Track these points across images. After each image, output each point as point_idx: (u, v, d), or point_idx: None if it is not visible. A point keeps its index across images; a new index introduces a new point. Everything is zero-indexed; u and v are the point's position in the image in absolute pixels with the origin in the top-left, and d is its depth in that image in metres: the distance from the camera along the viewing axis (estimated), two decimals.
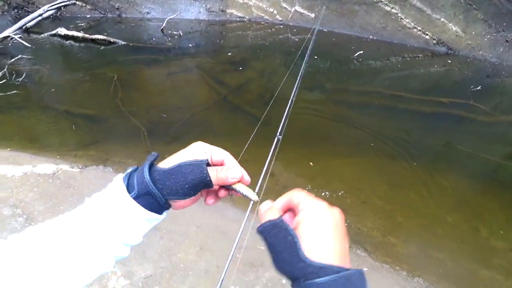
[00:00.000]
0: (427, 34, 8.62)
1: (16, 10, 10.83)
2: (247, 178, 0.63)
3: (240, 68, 6.98)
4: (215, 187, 0.62)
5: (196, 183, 0.57)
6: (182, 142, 4.66)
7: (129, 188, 0.57)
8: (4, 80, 5.87)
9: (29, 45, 7.48)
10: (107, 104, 5.38)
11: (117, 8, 10.29)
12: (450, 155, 4.79)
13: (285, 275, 0.51)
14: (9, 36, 7.63)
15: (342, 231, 0.52)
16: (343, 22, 9.19)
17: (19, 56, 6.89)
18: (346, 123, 5.37)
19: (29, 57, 7.08)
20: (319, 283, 0.46)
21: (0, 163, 3.94)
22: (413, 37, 8.73)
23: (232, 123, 5.16)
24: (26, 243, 0.51)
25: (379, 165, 4.44)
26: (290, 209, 0.58)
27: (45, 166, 3.93)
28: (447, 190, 4.15)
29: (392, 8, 8.69)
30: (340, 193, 3.84)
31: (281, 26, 9.48)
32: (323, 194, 3.81)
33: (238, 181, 0.62)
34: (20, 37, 7.54)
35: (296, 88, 2.82)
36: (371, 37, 8.95)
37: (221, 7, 9.90)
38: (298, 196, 0.55)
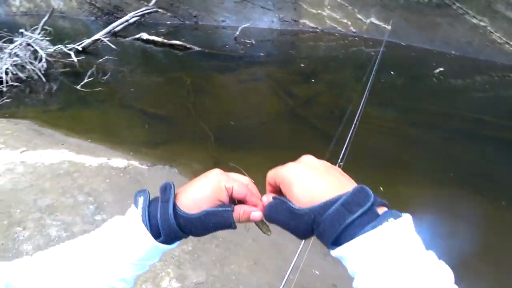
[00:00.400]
0: None
1: (107, 16, 11.95)
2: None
3: (312, 80, 6.83)
4: None
5: (220, 227, 0.59)
6: (248, 150, 4.64)
7: (151, 228, 0.56)
8: (92, 78, 6.41)
9: (115, 47, 8.12)
10: (179, 107, 5.58)
11: (195, 16, 10.82)
12: None
13: (306, 236, 0.53)
14: (99, 39, 8.39)
15: (319, 170, 0.54)
16: (423, 36, 8.57)
17: (106, 57, 7.52)
18: (422, 146, 4.91)
19: (114, 58, 7.69)
20: (321, 220, 0.47)
21: (82, 152, 4.26)
22: (504, 54, 7.80)
23: (298, 136, 5.01)
24: (46, 265, 0.53)
25: (459, 198, 3.96)
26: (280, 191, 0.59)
27: (118, 161, 4.14)
28: None
29: (480, 20, 7.87)
30: None
31: (355, 38, 9.15)
32: None
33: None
34: (108, 40, 8.24)
35: (361, 108, 2.62)
36: (453, 52, 8.19)
37: (294, 17, 9.89)
38: (271, 175, 0.61)
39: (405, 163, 4.56)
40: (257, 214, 0.60)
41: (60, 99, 6.31)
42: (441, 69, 7.31)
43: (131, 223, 0.57)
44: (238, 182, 0.62)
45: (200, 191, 0.58)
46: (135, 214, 0.57)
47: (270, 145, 4.75)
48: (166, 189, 0.59)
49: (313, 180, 0.52)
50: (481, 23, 7.88)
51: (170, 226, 0.55)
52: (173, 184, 0.59)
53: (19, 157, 3.99)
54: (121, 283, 0.55)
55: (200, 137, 4.73)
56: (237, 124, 5.13)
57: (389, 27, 8.68)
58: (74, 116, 5.42)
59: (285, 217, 0.53)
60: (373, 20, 9.07)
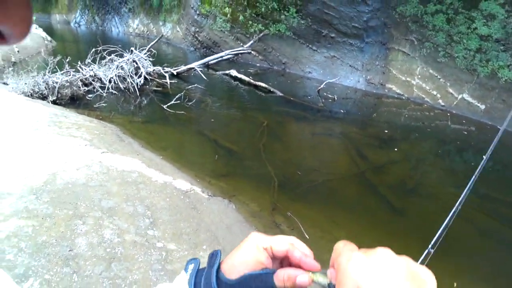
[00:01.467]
0: None
1: (205, 49, 13.07)
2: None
3: (393, 149, 6.50)
4: None
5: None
6: (308, 204, 4.45)
7: None
8: (179, 101, 6.90)
9: (206, 78, 8.73)
10: (251, 145, 5.67)
11: (284, 63, 11.28)
12: None
13: None
14: (193, 67, 9.12)
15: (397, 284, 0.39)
16: None
17: (196, 85, 8.09)
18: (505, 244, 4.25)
19: (203, 87, 8.24)
20: None
21: (152, 166, 4.46)
22: None
23: (363, 201, 4.71)
24: None
25: None
26: None
27: (182, 183, 4.24)
28: None
29: None
30: None
31: (441, 112, 8.64)
32: None
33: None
34: (201, 70, 8.92)
35: (464, 196, 2.32)
36: None
37: (381, 81, 9.75)
38: (334, 257, 0.50)
39: (486, 263, 3.95)
40: (304, 277, 0.53)
41: (146, 113, 6.85)
42: None
43: None
44: (278, 239, 0.57)
45: (240, 256, 0.57)
46: (184, 280, 0.58)
47: (331, 203, 4.51)
48: (213, 256, 0.59)
49: None
50: None
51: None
52: (220, 252, 0.59)
53: (99, 157, 4.31)
54: None
55: (264, 180, 4.68)
56: (303, 175, 5.00)
57: (483, 107, 8.06)
58: (154, 131, 5.79)
59: None
60: (466, 96, 8.53)
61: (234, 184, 4.53)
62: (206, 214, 3.79)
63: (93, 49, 7.72)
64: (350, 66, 10.19)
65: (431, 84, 9.07)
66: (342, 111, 8.10)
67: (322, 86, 8.98)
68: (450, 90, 8.79)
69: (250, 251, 0.57)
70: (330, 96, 8.80)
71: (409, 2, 9.23)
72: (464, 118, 8.29)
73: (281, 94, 8.38)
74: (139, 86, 7.52)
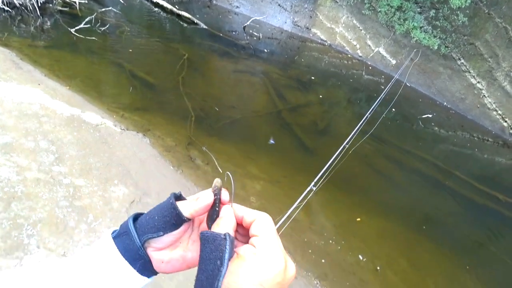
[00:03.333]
0: (506, 121, 7.96)
1: None
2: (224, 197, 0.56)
3: (311, 91, 6.83)
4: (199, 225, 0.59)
5: (163, 212, 0.54)
6: (224, 139, 4.60)
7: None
8: (89, 25, 6.18)
9: (123, 2, 7.86)
10: (169, 78, 5.46)
11: None
12: (482, 256, 4.25)
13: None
14: None
15: None
16: (422, 79, 8.75)
17: (110, 8, 7.26)
18: (390, 182, 5.02)
19: (118, 12, 7.44)
20: None
21: (57, 98, 4.09)
22: (490, 119, 8.08)
23: (277, 139, 5.01)
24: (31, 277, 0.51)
25: (407, 239, 4.06)
26: (246, 228, 0.53)
27: (92, 116, 4.01)
28: None
29: (478, 82, 8.11)
30: (352, 252, 3.55)
31: (358, 62, 9.24)
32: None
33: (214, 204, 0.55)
34: None
35: (353, 135, 2.63)
36: (445, 103, 8.41)
37: (307, 24, 9.86)
38: (263, 227, 0.50)
39: (372, 192, 4.65)
40: (207, 192, 0.54)
41: (50, 37, 6.04)
42: (429, 115, 7.49)
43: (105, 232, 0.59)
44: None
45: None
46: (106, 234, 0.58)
47: (247, 139, 4.73)
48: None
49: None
50: (478, 85, 8.11)
51: (126, 223, 0.55)
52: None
53: None
54: None
55: (181, 114, 4.64)
56: (221, 111, 5.06)
57: (394, 62, 8.79)
58: (59, 59, 5.20)
59: (206, 266, 0.47)
60: (381, 50, 9.16)
61: (150, 118, 4.43)
62: (118, 149, 3.70)
63: None
64: (279, 5, 10.01)
65: (353, 34, 9.46)
66: (266, 50, 8.11)
67: (248, 23, 8.77)
68: (369, 43, 9.31)
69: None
70: (255, 34, 8.68)
71: None
72: (377, 70, 8.97)
73: (205, 27, 8.01)
74: (39, 4, 6.49)
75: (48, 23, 6.40)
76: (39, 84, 4.24)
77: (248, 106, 5.60)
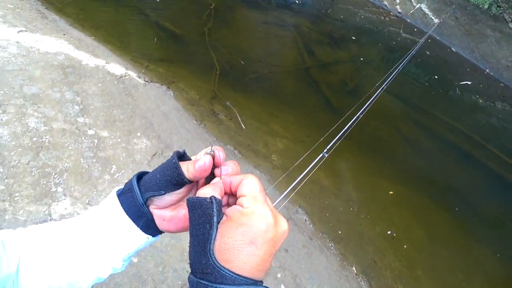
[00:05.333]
0: None
1: None
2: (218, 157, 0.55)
3: (342, 48, 6.42)
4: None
5: (166, 171, 0.55)
6: (248, 94, 4.45)
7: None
8: None
9: None
10: (195, 29, 5.27)
11: None
12: (501, 233, 4.01)
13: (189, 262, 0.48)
14: None
15: (273, 248, 0.46)
16: (465, 42, 7.94)
17: None
18: (416, 149, 4.73)
19: None
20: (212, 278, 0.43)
21: (81, 48, 4.05)
22: None
23: (304, 98, 4.80)
24: (39, 237, 0.57)
25: (428, 210, 3.88)
26: (234, 193, 0.52)
27: (116, 67, 3.96)
28: (480, 266, 3.52)
29: None
30: (369, 217, 3.45)
31: (396, 18, 8.51)
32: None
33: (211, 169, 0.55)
34: None
35: (374, 98, 2.43)
36: (487, 71, 7.61)
37: None
38: (249, 186, 0.49)
39: (395, 159, 4.43)
40: (206, 157, 0.54)
41: None
42: (468, 82, 6.87)
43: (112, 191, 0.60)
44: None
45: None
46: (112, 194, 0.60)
47: (272, 96, 4.56)
48: None
49: (258, 252, 0.45)
50: None
51: (131, 181, 0.57)
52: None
53: (15, 36, 3.79)
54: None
55: (206, 66, 4.51)
56: (247, 65, 4.87)
57: (436, 20, 8.03)
58: (84, 7, 5.09)
59: (196, 231, 0.47)
60: (423, 7, 8.34)
61: (174, 70, 4.33)
62: (141, 101, 3.67)
63: None
64: None
65: None
66: (297, 1, 7.61)
67: None
68: None
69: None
70: None
71: None
72: (417, 28, 8.24)
73: None
74: None
75: None
76: (64, 34, 4.20)
77: (275, 60, 5.34)
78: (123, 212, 0.56)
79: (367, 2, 8.79)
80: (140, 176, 0.58)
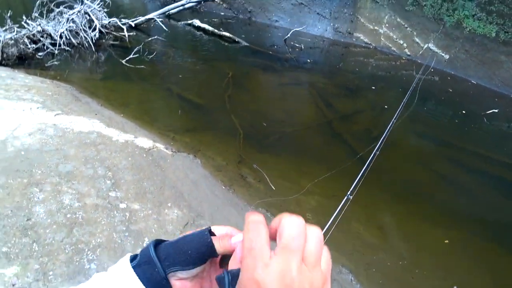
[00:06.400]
0: None
1: None
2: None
3: (360, 98, 6.53)
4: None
5: (199, 247, 0.54)
6: (274, 155, 4.48)
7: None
8: (138, 55, 6.50)
9: (167, 29, 8.23)
10: (215, 97, 5.52)
11: (249, 11, 10.78)
12: None
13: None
14: (153, 18, 8.53)
15: None
16: (481, 71, 7.98)
17: (156, 37, 7.63)
18: (457, 188, 4.50)
19: (163, 39, 7.79)
20: None
21: (112, 126, 4.28)
22: None
23: (329, 150, 4.78)
24: None
25: (490, 254, 3.55)
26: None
27: (144, 140, 4.12)
28: None
29: None
30: (424, 271, 3.18)
31: (407, 61, 8.71)
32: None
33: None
34: (161, 21, 8.36)
35: (384, 138, 2.40)
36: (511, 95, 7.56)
37: (349, 29, 9.58)
38: (284, 232, 0.40)
39: (434, 201, 4.20)
40: (240, 236, 0.53)
41: (104, 69, 6.46)
42: (495, 110, 6.75)
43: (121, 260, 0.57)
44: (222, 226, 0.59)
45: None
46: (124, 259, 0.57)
47: (298, 153, 4.56)
48: None
49: None
50: None
51: (147, 246, 0.55)
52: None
53: (53, 119, 4.07)
54: None
55: (230, 132, 4.62)
56: (269, 126, 4.97)
57: (447, 56, 8.18)
58: (114, 88, 5.50)
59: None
60: (431, 46, 8.58)
61: (199, 138, 4.45)
62: (170, 171, 3.73)
63: (39, 1, 6.98)
64: (317, 14, 9.88)
65: (398, 33, 9.00)
66: (309, 60, 7.97)
67: (289, 35, 8.71)
68: (417, 40, 8.79)
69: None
70: (297, 45, 8.59)
71: None
72: (430, 67, 8.39)
73: (247, 44, 8.08)
74: (94, 41, 6.98)
75: (102, 57, 6.84)
76: (95, 114, 4.47)
77: (296, 118, 5.45)
78: (141, 284, 0.53)
79: (375, 51, 9.08)
80: (155, 244, 0.57)
